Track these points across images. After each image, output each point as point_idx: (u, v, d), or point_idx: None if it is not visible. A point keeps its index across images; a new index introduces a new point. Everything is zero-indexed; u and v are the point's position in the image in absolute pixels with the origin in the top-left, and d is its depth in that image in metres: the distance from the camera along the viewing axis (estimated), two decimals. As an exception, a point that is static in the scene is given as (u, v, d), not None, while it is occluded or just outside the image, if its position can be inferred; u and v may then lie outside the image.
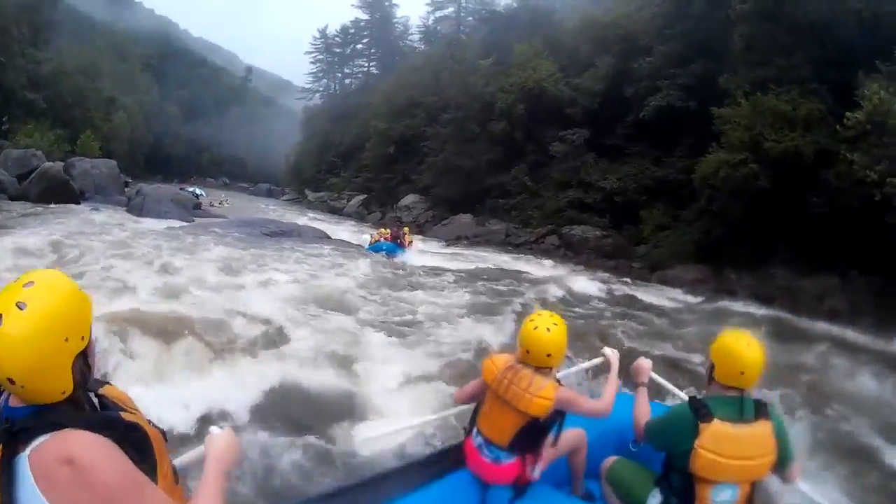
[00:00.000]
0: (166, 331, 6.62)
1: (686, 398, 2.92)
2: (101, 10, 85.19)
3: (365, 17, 74.55)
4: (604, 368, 3.41)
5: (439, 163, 34.40)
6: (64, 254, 11.59)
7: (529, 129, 29.77)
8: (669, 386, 3.67)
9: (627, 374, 3.28)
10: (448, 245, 26.33)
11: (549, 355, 2.84)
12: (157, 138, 75.33)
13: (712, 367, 2.68)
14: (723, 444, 2.53)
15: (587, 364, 3.68)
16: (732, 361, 2.58)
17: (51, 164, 25.76)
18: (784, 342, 9.61)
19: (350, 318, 8.86)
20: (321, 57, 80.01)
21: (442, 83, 38.55)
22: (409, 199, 35.97)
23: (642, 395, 3.05)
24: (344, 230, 27.79)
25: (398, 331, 8.39)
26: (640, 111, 23.23)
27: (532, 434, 2.87)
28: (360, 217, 39.48)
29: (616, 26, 26.51)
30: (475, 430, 3.03)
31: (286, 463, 4.61)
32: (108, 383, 1.61)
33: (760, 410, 2.62)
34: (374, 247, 19.14)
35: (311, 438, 4.94)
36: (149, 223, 20.08)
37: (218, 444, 1.69)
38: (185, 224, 20.79)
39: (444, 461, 3.21)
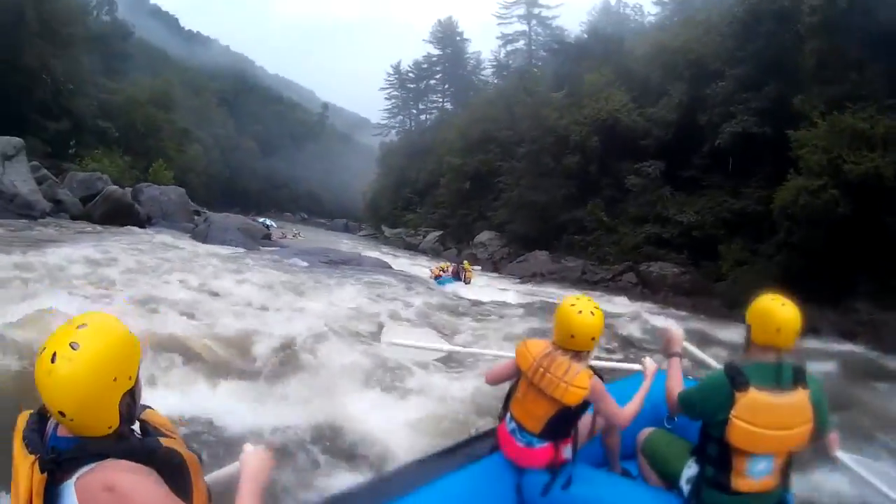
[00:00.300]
0: (190, 347, 6.90)
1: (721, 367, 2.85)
2: (177, 47, 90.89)
3: (437, 52, 76.19)
4: (632, 378, 3.48)
5: (514, 198, 34.62)
6: (110, 268, 12.08)
7: (604, 162, 29.62)
8: (703, 356, 3.64)
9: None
10: (522, 282, 26.41)
11: (593, 339, 2.89)
12: (234, 172, 78.99)
13: (749, 329, 2.72)
14: (759, 414, 2.54)
15: (621, 365, 3.70)
16: (768, 320, 2.63)
17: (115, 187, 26.85)
18: (867, 380, 9.35)
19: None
20: (395, 93, 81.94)
21: (515, 117, 38.93)
22: (484, 235, 36.36)
23: (675, 367, 3.06)
24: (412, 264, 28.48)
25: (450, 359, 7.73)
26: (716, 139, 22.77)
27: (564, 420, 2.92)
28: (435, 253, 39.84)
29: (686, 51, 26.24)
30: (508, 415, 3.08)
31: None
32: (149, 407, 1.72)
33: (798, 377, 2.63)
34: (440, 281, 19.55)
35: (343, 462, 4.95)
36: (209, 248, 20.72)
37: (252, 463, 1.78)
38: (247, 251, 21.38)
39: (480, 446, 3.29)
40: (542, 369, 2.88)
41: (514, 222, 34.15)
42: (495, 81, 62.62)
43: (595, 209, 29.11)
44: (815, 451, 2.84)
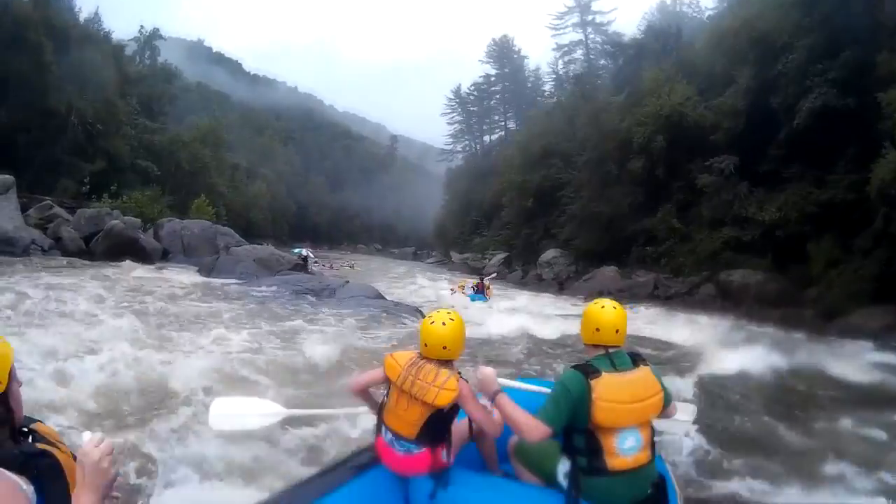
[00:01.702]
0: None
1: (546, 389, 3.34)
2: (240, 89, 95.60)
3: (494, 71, 75.75)
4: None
5: (577, 211, 32.81)
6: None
7: (671, 163, 27.39)
8: (524, 385, 3.80)
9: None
10: (586, 300, 24.45)
11: (445, 348, 3.07)
12: (303, 207, 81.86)
13: (583, 340, 3.08)
14: (615, 391, 2.83)
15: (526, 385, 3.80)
16: (588, 322, 3.04)
17: (117, 221, 26.03)
18: None
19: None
20: (458, 117, 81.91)
21: (575, 127, 37.19)
22: (549, 254, 34.39)
23: (506, 402, 3.01)
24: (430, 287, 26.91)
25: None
26: (793, 121, 20.46)
27: (438, 424, 3.04)
28: (499, 276, 37.76)
29: (749, 29, 23.79)
30: (383, 427, 3.18)
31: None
32: (38, 420, 1.74)
33: (636, 359, 3.03)
34: (473, 297, 19.23)
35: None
36: (193, 278, 19.81)
37: (89, 459, 1.55)
38: (241, 282, 19.51)
39: (359, 461, 3.32)
40: (411, 377, 3.05)
41: (579, 237, 32.29)
42: (555, 95, 60.98)
43: (666, 216, 26.94)
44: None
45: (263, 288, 17.48)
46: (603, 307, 3.06)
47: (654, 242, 27.19)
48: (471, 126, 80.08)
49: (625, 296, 24.70)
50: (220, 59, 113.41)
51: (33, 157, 32.74)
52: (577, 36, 60.71)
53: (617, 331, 2.99)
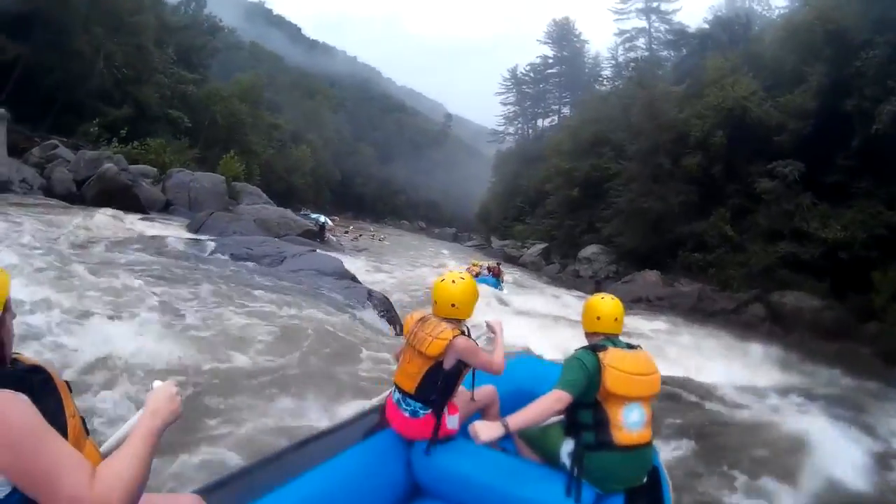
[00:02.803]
0: None
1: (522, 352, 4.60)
2: (297, 54, 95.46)
3: (552, 53, 73.75)
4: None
5: (624, 205, 30.85)
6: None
7: (730, 162, 25.40)
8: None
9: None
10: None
11: (453, 305, 3.25)
12: (348, 177, 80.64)
13: (582, 325, 3.37)
14: (623, 361, 3.06)
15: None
16: (589, 311, 3.32)
17: (111, 165, 24.49)
18: None
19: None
20: (512, 98, 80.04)
21: (631, 116, 34.96)
22: (589, 249, 32.64)
23: (517, 419, 2.97)
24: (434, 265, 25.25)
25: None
26: (869, 127, 18.36)
27: (437, 380, 3.16)
28: (535, 268, 36.80)
29: (825, 21, 21.46)
30: (394, 387, 3.35)
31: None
32: (19, 353, 1.68)
33: (630, 345, 3.27)
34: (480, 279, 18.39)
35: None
36: (167, 231, 18.23)
37: (155, 397, 1.72)
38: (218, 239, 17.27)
39: (368, 422, 3.43)
40: (417, 330, 3.25)
41: (624, 235, 30.38)
42: (612, 82, 59.04)
43: (718, 221, 24.93)
44: None
45: (211, 245, 15.31)
46: (603, 298, 3.37)
47: (704, 249, 25.25)
48: (524, 109, 78.59)
49: (664, 305, 23.04)
50: (279, 22, 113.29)
51: (56, 98, 32.10)
52: (640, 23, 59.07)
53: (616, 319, 3.28)
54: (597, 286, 28.20)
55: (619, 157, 34.92)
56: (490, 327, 3.56)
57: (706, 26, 36.72)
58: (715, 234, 24.86)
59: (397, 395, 3.27)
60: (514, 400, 3.58)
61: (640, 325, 17.49)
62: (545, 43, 74.15)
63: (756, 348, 15.59)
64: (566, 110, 70.53)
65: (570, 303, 21.41)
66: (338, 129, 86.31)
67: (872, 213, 18.34)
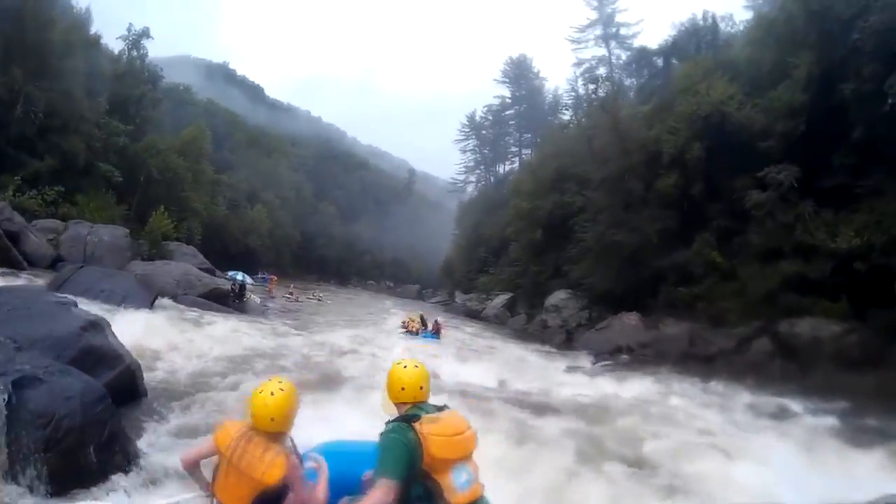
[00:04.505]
0: None
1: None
2: (260, 115, 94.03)
3: (508, 93, 72.68)
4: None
5: (592, 242, 27.66)
6: None
7: (711, 179, 22.73)
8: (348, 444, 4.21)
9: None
10: (598, 362, 19.38)
11: (272, 419, 3.08)
12: (310, 238, 79.63)
13: (385, 395, 3.32)
14: (441, 426, 3.04)
15: None
16: (394, 382, 3.26)
17: None
18: None
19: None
20: (471, 145, 78.56)
21: (596, 143, 32.08)
22: (557, 296, 29.37)
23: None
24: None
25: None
26: (873, 111, 16.06)
27: (268, 502, 3.04)
28: (500, 321, 33.75)
29: (806, 4, 19.21)
30: (215, 501, 3.17)
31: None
32: None
33: (440, 407, 3.25)
34: (424, 335, 20.00)
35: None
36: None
37: None
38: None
39: None
40: (240, 449, 3.04)
41: (594, 275, 27.12)
42: (573, 113, 57.58)
43: (703, 247, 22.04)
44: None
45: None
46: (406, 367, 3.30)
47: (689, 282, 22.24)
48: (484, 156, 77.07)
49: (649, 354, 19.82)
50: (240, 83, 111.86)
51: None
52: (599, 51, 57.19)
53: (422, 387, 3.25)
54: (567, 336, 25.12)
55: (583, 189, 32.02)
56: (315, 461, 3.43)
57: (670, 38, 34.36)
58: (700, 262, 22.05)
59: None
60: (336, 489, 3.40)
61: (621, 385, 13.85)
62: (502, 82, 72.88)
63: (771, 400, 12.15)
64: (527, 152, 68.74)
65: (529, 364, 17.77)
66: (298, 188, 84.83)
67: (887, 213, 15.72)
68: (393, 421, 3.13)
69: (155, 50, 52.41)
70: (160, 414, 7.71)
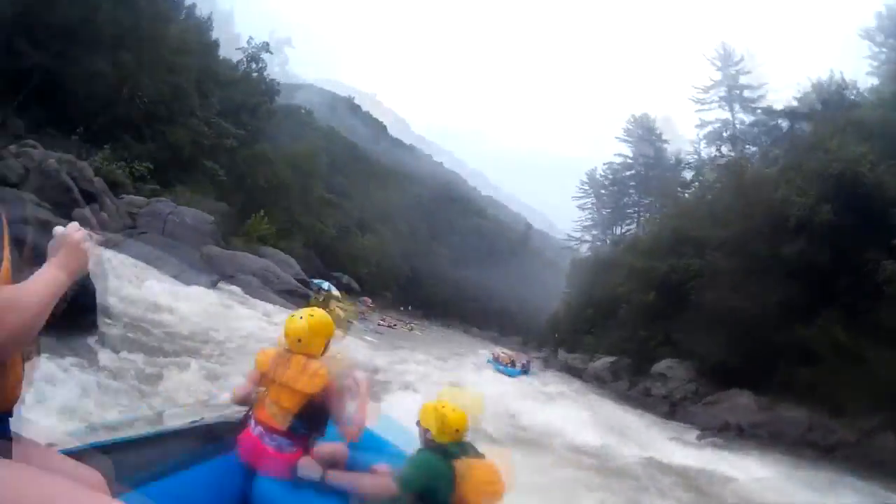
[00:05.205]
0: None
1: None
2: (380, 149, 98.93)
3: (630, 151, 71.66)
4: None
5: (707, 306, 25.91)
6: None
7: (840, 246, 20.63)
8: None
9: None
10: (704, 437, 18.04)
11: (299, 340, 3.23)
12: (420, 276, 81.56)
13: (427, 432, 3.29)
14: (478, 472, 3.11)
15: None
16: (446, 425, 3.23)
17: (52, 160, 20.90)
18: None
19: None
20: (589, 203, 77.83)
21: (716, 210, 30.44)
22: (664, 364, 27.76)
23: (341, 474, 3.24)
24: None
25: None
26: None
27: (309, 415, 3.14)
28: (601, 384, 32.20)
29: None
30: (253, 420, 3.23)
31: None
32: None
33: (479, 452, 3.28)
34: (506, 369, 20.51)
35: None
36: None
37: (61, 247, 1.61)
38: None
39: (209, 437, 3.32)
40: (280, 367, 3.18)
41: (706, 345, 25.10)
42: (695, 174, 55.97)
43: (828, 324, 19.97)
44: None
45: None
46: (454, 410, 3.26)
47: (810, 361, 20.03)
48: (602, 213, 75.60)
49: (762, 435, 18.17)
50: (365, 118, 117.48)
51: (75, 116, 30.24)
52: (724, 114, 56.60)
53: (461, 430, 3.27)
54: (671, 407, 23.43)
55: (701, 253, 30.31)
56: (355, 382, 3.32)
57: (793, 101, 32.79)
58: (824, 341, 19.82)
59: (258, 430, 3.18)
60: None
61: (730, 464, 12.65)
62: (624, 140, 71.84)
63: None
64: (645, 213, 68.04)
65: (629, 428, 16.68)
66: (413, 226, 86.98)
67: None
68: (431, 448, 3.21)
69: (281, 74, 54.72)
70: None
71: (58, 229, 1.64)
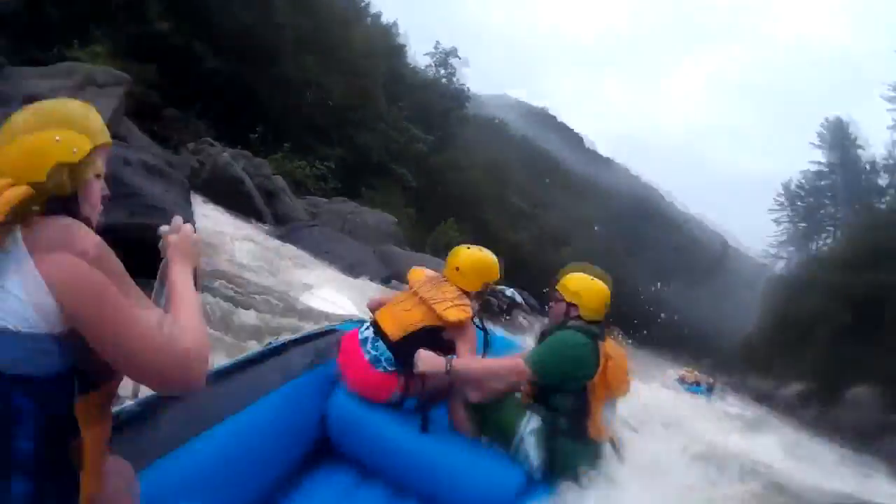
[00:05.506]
0: None
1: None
2: (575, 161, 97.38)
3: (825, 159, 65.87)
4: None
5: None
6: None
7: None
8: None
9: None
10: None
11: (457, 268, 3.16)
12: (614, 294, 78.30)
13: (573, 307, 3.16)
14: (620, 358, 3.03)
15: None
16: (600, 299, 3.18)
17: (225, 156, 21.24)
18: None
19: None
20: (785, 217, 72.63)
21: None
22: (858, 391, 25.83)
23: (465, 360, 2.97)
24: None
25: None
26: None
27: (427, 339, 2.95)
28: (788, 410, 29.60)
29: None
30: (367, 323, 3.18)
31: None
32: None
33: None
34: (691, 387, 21.41)
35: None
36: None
37: (177, 246, 1.65)
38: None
39: (311, 350, 3.24)
40: (431, 286, 3.11)
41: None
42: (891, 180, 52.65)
43: None
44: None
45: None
46: (599, 278, 3.24)
47: None
48: (798, 227, 70.24)
49: None
50: (561, 129, 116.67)
51: (256, 120, 30.11)
52: None
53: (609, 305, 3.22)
54: (860, 439, 21.30)
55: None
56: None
57: None
58: None
59: (368, 332, 3.09)
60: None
61: None
62: (818, 147, 65.78)
63: None
64: (839, 228, 62.86)
65: (815, 461, 15.14)
66: (608, 240, 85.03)
67: None
68: (576, 328, 3.03)
69: (476, 85, 54.98)
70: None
71: (164, 228, 1.69)
